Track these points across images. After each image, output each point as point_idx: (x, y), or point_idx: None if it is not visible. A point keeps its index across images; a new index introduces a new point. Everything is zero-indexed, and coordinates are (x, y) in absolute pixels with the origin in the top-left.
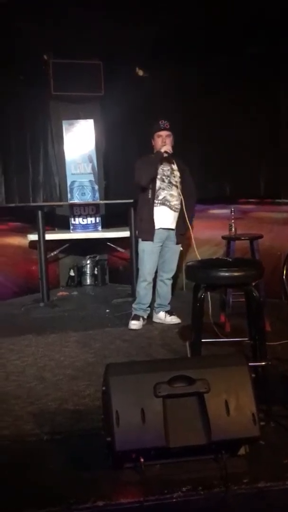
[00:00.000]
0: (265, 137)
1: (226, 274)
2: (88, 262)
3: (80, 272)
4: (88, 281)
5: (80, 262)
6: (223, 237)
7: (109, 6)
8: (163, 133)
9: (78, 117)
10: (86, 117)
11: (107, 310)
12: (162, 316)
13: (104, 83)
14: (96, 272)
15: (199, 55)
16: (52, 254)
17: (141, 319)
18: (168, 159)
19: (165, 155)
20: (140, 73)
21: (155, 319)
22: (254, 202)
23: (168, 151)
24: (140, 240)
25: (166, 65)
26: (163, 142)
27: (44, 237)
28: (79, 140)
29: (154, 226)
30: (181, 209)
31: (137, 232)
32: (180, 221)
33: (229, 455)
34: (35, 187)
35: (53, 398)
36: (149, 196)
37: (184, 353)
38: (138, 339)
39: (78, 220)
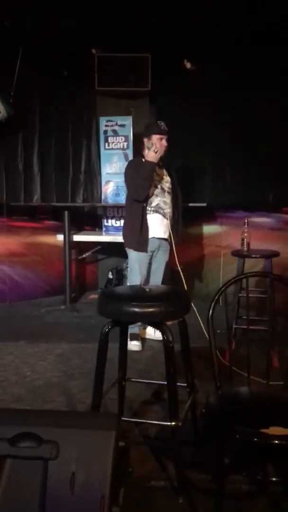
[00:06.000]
0: None
1: (136, 309)
2: None
3: (120, 275)
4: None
5: (121, 264)
6: (233, 254)
7: None
8: (165, 136)
9: (125, 113)
10: (131, 113)
11: None
12: (151, 332)
13: (151, 78)
14: None
15: (250, 50)
16: (84, 255)
17: (139, 337)
18: (159, 165)
19: (156, 161)
20: (188, 65)
21: (143, 336)
22: None
23: (159, 158)
24: (131, 250)
25: (215, 59)
26: (162, 147)
27: (69, 237)
28: (115, 138)
29: (147, 236)
30: (172, 218)
31: (127, 242)
32: (172, 230)
33: None
34: (74, 186)
35: None
36: (142, 204)
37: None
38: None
39: (111, 222)
